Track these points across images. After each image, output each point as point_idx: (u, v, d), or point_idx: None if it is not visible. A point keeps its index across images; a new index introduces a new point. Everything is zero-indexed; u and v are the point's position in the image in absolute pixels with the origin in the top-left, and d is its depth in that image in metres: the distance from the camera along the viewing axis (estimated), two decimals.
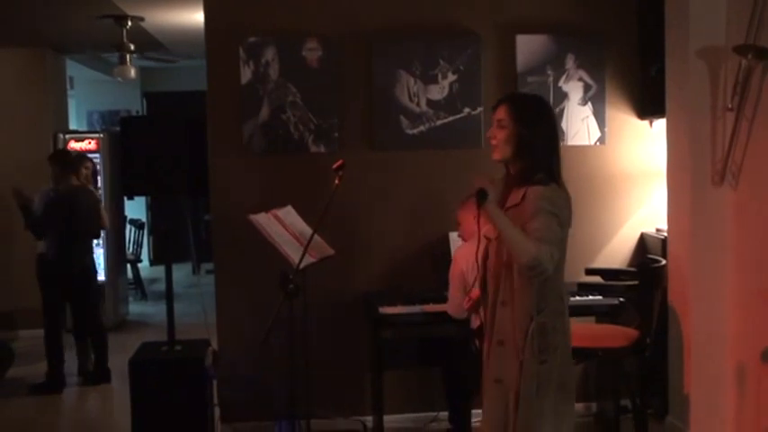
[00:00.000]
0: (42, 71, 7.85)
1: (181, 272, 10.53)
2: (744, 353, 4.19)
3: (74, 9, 6.24)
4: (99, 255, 8.07)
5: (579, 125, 4.88)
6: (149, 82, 11.37)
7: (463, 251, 4.03)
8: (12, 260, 7.13)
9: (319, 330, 4.64)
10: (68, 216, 5.93)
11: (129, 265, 9.21)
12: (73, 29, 7.03)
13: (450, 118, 4.82)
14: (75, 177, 6.14)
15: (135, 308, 8.94)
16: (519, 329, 2.86)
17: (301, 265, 4.05)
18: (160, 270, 9.28)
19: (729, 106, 4.09)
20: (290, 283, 4.07)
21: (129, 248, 9.48)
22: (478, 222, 2.98)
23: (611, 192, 4.95)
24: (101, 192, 8.01)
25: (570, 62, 4.87)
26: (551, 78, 4.86)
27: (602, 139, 4.92)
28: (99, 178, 8.05)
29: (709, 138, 4.25)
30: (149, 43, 7.94)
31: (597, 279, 4.63)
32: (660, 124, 4.79)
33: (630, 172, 4.96)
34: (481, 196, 2.81)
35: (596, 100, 4.90)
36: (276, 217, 4.29)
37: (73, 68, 9.25)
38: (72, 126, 9.37)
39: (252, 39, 4.71)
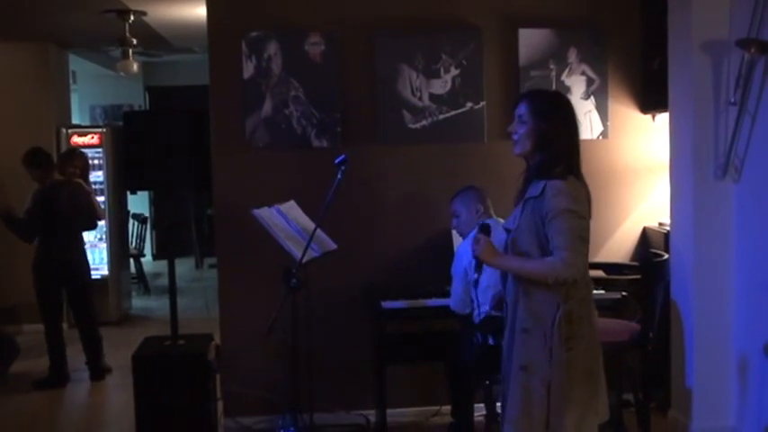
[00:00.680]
0: (45, 66, 7.86)
1: (184, 266, 10.57)
2: (746, 346, 4.19)
3: (77, 4, 6.25)
4: (102, 249, 8.11)
5: (582, 119, 4.86)
6: (152, 76, 11.38)
7: (466, 246, 4.03)
8: (15, 255, 7.13)
9: (322, 325, 4.65)
10: (54, 212, 5.89)
11: (132, 260, 9.22)
12: (76, 23, 7.04)
13: (453, 112, 4.81)
14: (57, 173, 6.07)
15: (138, 302, 8.95)
16: (545, 317, 2.91)
17: (304, 260, 4.06)
18: (163, 264, 9.33)
19: (732, 100, 4.09)
20: (293, 277, 4.08)
21: (132, 243, 9.49)
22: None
23: (613, 186, 4.94)
24: (102, 186, 8.03)
25: (573, 56, 4.87)
26: (554, 72, 4.86)
27: (604, 134, 4.92)
28: (101, 173, 8.05)
29: (711, 132, 4.25)
30: (152, 38, 7.95)
31: (600, 273, 4.63)
32: (663, 118, 4.78)
33: (633, 166, 4.95)
34: (485, 231, 3.06)
35: (599, 94, 4.90)
36: (279, 211, 4.30)
37: (75, 63, 9.25)
38: (74, 120, 9.37)
39: (254, 33, 4.71)
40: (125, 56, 7.42)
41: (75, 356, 6.19)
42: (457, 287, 4.06)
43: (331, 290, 4.72)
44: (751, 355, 4.15)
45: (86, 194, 6.20)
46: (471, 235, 4.10)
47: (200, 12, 5.67)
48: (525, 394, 2.96)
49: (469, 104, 4.81)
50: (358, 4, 4.79)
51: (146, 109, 11.31)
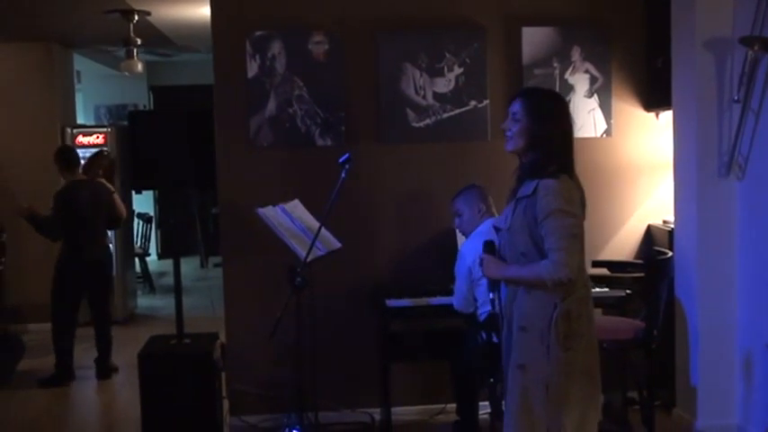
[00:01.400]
0: (50, 65, 7.87)
1: (189, 265, 10.58)
2: (751, 344, 4.19)
3: (81, 4, 6.26)
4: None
5: (585, 117, 4.88)
6: (156, 76, 11.38)
7: (470, 246, 4.04)
8: (22, 255, 7.16)
9: (327, 323, 4.66)
10: (74, 210, 5.93)
11: (137, 259, 9.24)
12: (80, 23, 7.05)
13: (457, 111, 4.82)
14: (78, 172, 6.12)
15: (143, 301, 8.97)
16: (543, 316, 2.90)
17: (309, 259, 4.07)
18: (168, 264, 9.32)
19: (736, 98, 4.09)
20: (298, 276, 4.09)
21: (137, 242, 9.51)
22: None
23: (617, 184, 4.94)
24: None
25: (576, 54, 4.87)
26: (557, 71, 4.86)
27: (608, 132, 4.92)
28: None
29: (715, 129, 4.25)
30: (156, 37, 7.96)
31: (604, 271, 4.64)
32: (666, 116, 4.78)
33: (637, 164, 4.95)
34: (490, 250, 3.07)
35: (602, 92, 4.90)
36: (283, 210, 4.31)
37: (80, 63, 9.26)
38: (79, 120, 9.39)
39: (258, 32, 4.72)
40: (129, 56, 7.44)
41: (81, 355, 6.22)
42: (461, 286, 4.06)
43: (335, 288, 4.73)
44: (755, 353, 4.15)
45: (108, 193, 6.22)
46: (474, 234, 4.13)
47: (204, 11, 5.69)
48: (523, 393, 2.95)
49: (473, 103, 4.82)
50: (361, 2, 4.80)
51: (150, 109, 11.33)
